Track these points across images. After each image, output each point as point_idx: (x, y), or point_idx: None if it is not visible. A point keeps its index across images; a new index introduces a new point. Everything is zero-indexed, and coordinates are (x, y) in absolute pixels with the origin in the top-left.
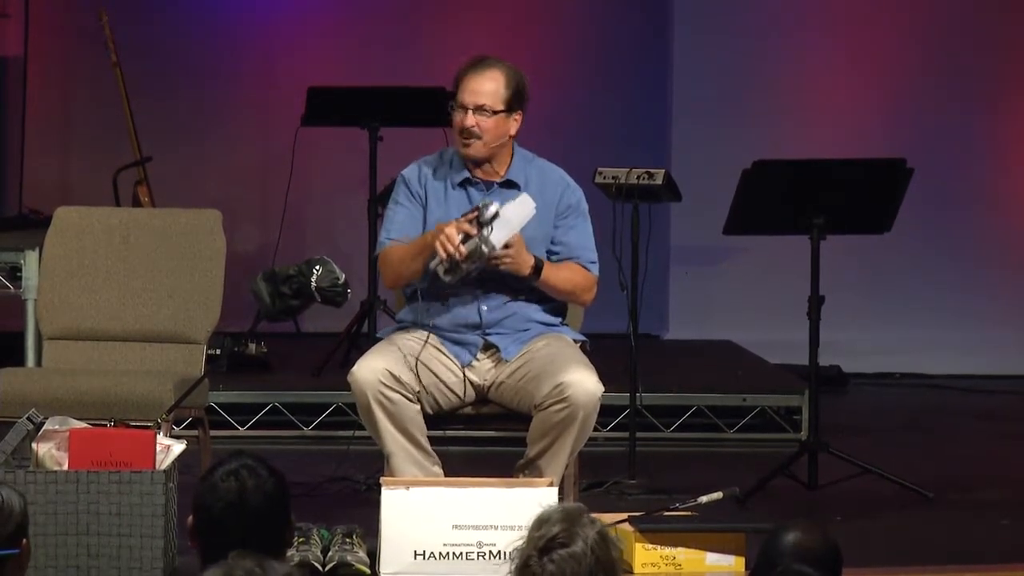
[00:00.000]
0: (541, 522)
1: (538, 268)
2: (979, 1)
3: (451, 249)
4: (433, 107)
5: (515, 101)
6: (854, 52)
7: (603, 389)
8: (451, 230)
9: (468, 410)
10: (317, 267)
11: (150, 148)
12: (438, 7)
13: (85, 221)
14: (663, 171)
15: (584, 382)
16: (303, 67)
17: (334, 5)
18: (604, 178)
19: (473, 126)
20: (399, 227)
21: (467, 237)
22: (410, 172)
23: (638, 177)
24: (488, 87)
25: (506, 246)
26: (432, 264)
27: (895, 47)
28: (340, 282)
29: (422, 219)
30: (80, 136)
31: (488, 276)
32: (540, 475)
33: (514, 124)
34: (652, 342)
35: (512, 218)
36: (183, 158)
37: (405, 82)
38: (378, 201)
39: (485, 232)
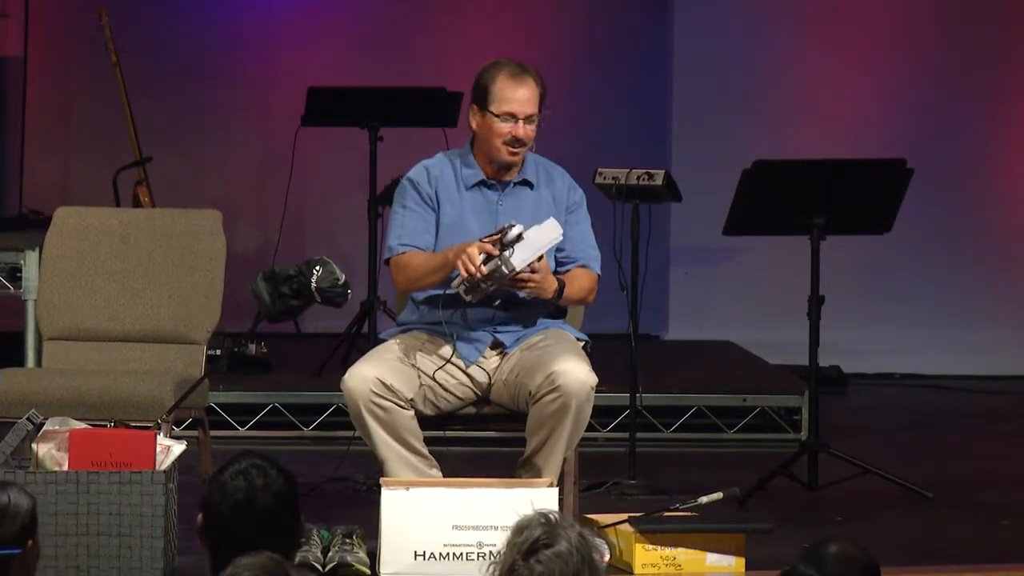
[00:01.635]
0: (521, 528)
1: (560, 289)
2: (978, 3)
3: (472, 269)
4: (433, 107)
5: (542, 105)
6: (854, 52)
7: (596, 379)
8: (473, 250)
9: (468, 410)
10: (317, 267)
11: (150, 148)
12: (438, 7)
13: (85, 221)
14: (663, 171)
15: (575, 371)
16: (303, 67)
17: (334, 5)
18: (604, 178)
19: (525, 136)
20: (412, 232)
21: (489, 258)
22: (417, 175)
23: (638, 177)
24: (531, 95)
25: (532, 271)
26: (453, 284)
27: (895, 47)
28: (340, 282)
29: (435, 222)
30: (80, 136)
31: (510, 299)
32: (538, 472)
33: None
34: (652, 342)
35: (536, 241)
36: (183, 158)
37: (405, 82)
38: (378, 201)
39: (507, 253)
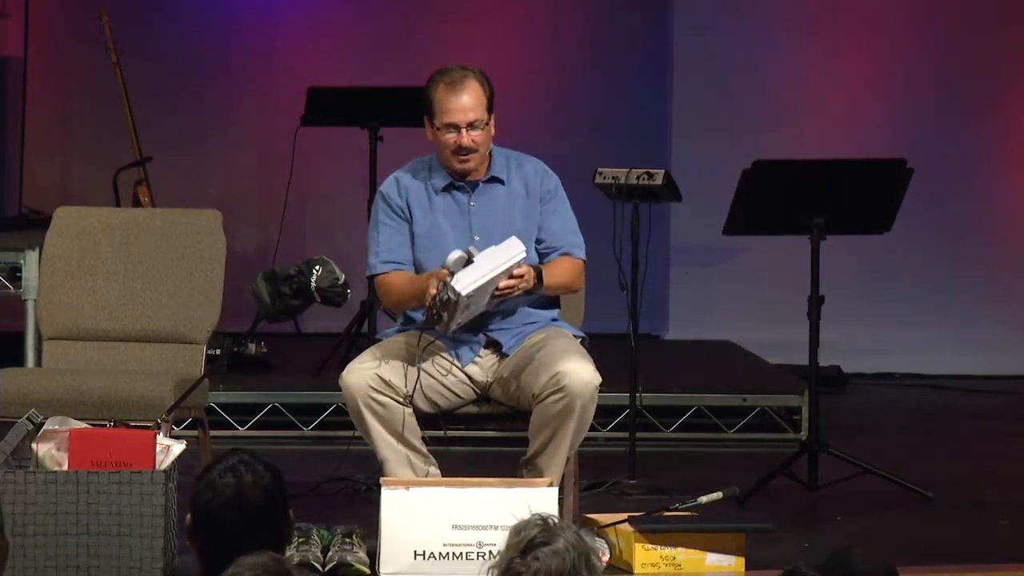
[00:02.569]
0: (519, 529)
1: (538, 275)
2: (978, 2)
3: (427, 300)
4: None
5: (492, 103)
6: (854, 52)
7: (600, 379)
8: (433, 280)
9: (469, 409)
10: (317, 267)
11: (150, 148)
12: (438, 7)
13: (85, 221)
14: (663, 171)
15: (580, 371)
16: (303, 67)
17: (334, 5)
18: (604, 178)
19: (471, 144)
20: (387, 247)
21: (445, 287)
22: (388, 188)
23: (638, 177)
24: (473, 101)
25: (515, 276)
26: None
27: (895, 47)
28: (340, 282)
29: (409, 233)
30: (80, 136)
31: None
32: (541, 473)
33: (493, 125)
34: (652, 342)
35: (486, 263)
36: (183, 158)
37: (405, 82)
38: None
39: (450, 280)
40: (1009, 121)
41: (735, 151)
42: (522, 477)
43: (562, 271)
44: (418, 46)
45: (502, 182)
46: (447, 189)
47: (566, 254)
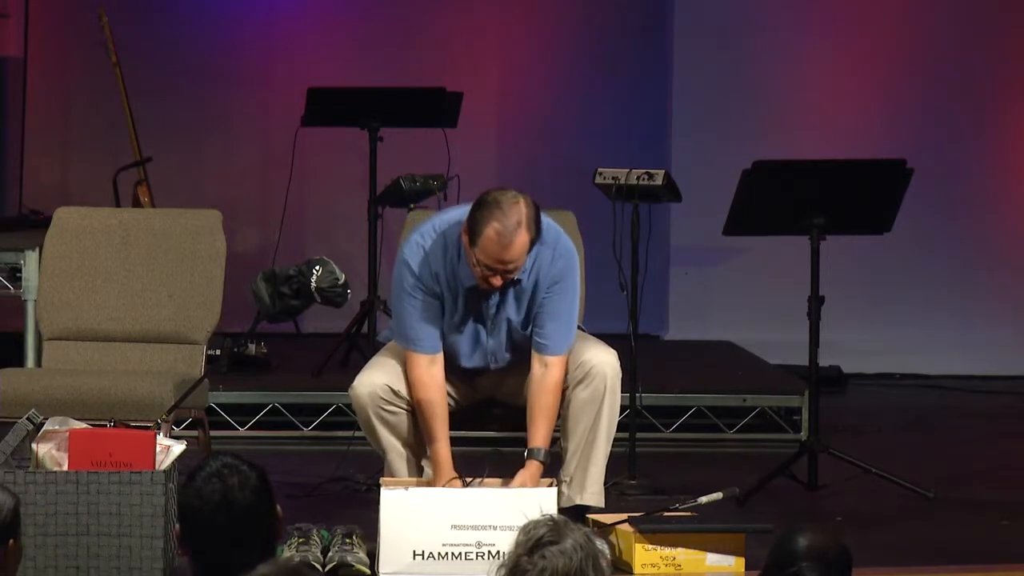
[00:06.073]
0: (528, 528)
1: (543, 455)
2: (978, 2)
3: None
4: (433, 107)
5: (536, 239)
6: (854, 53)
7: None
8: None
9: (472, 406)
10: (317, 267)
11: (150, 148)
12: (438, 7)
13: (85, 221)
14: (663, 171)
15: (601, 355)
16: (303, 67)
17: (334, 5)
18: (604, 178)
19: (502, 283)
20: (425, 325)
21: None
22: (420, 268)
23: (638, 177)
24: (516, 254)
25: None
26: None
27: (895, 48)
28: (340, 282)
29: (441, 309)
30: (80, 136)
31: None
32: (584, 478)
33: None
34: (652, 342)
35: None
36: (183, 158)
37: (405, 82)
38: (378, 201)
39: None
40: (1009, 121)
41: (735, 151)
42: (564, 492)
43: (551, 413)
44: (418, 46)
45: (519, 281)
46: (472, 289)
47: (543, 352)
